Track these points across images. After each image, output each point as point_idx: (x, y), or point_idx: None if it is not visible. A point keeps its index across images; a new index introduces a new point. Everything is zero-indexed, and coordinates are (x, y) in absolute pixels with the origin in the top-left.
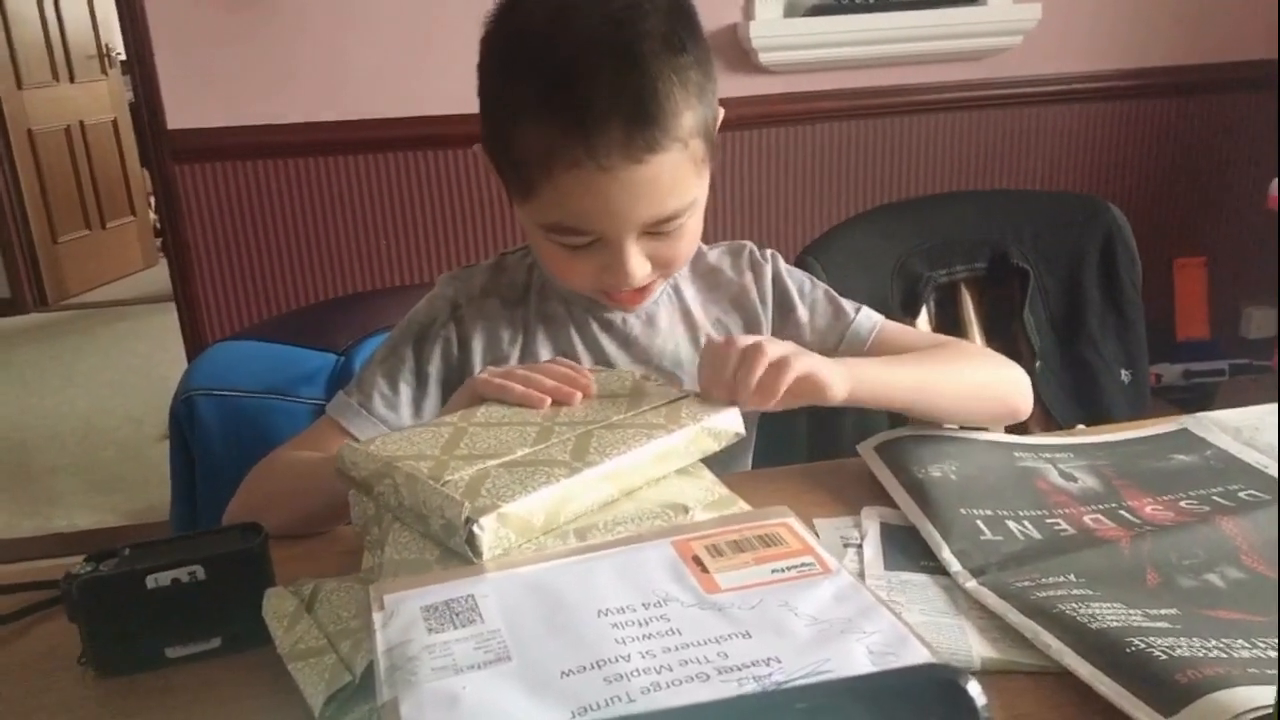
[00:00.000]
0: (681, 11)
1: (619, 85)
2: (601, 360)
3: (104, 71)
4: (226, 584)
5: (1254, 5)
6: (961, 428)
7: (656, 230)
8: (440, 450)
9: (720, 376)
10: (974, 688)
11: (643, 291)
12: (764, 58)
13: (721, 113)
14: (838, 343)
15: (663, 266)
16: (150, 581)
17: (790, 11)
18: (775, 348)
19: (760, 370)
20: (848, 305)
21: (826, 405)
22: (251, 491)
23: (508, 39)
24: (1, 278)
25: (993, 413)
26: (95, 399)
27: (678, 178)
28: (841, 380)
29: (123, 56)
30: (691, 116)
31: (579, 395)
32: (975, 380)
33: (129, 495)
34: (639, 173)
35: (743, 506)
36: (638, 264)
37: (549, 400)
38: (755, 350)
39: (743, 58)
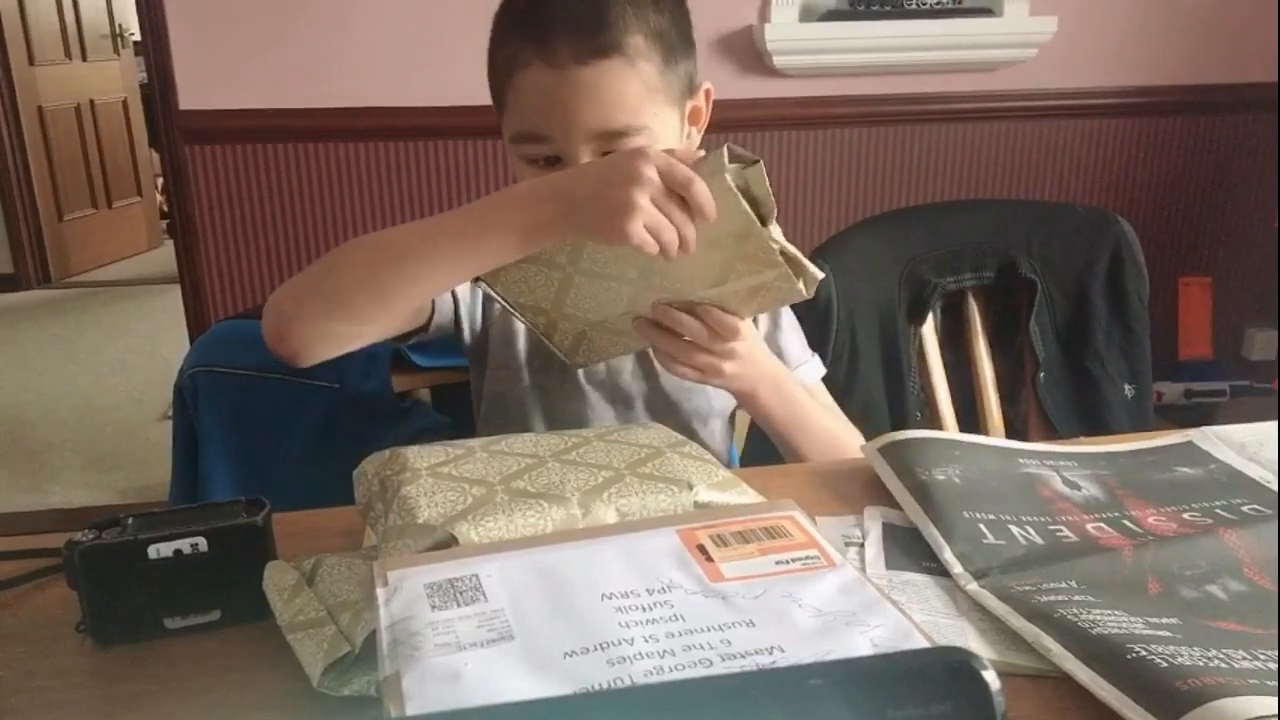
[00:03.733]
0: None
1: (577, 4)
2: None
3: (116, 51)
4: (228, 557)
5: (1265, 28)
6: None
7: (612, 150)
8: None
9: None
10: (990, 675)
11: None
12: (778, 61)
13: (704, 87)
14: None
15: None
16: (152, 551)
17: (805, 16)
18: (738, 354)
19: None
20: (799, 349)
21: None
22: (319, 263)
23: None
24: (6, 253)
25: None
26: (96, 377)
27: (624, 91)
28: (741, 382)
29: (136, 36)
30: (642, 42)
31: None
32: (830, 446)
33: (127, 474)
34: (584, 74)
35: (745, 489)
36: None
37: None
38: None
39: (757, 60)
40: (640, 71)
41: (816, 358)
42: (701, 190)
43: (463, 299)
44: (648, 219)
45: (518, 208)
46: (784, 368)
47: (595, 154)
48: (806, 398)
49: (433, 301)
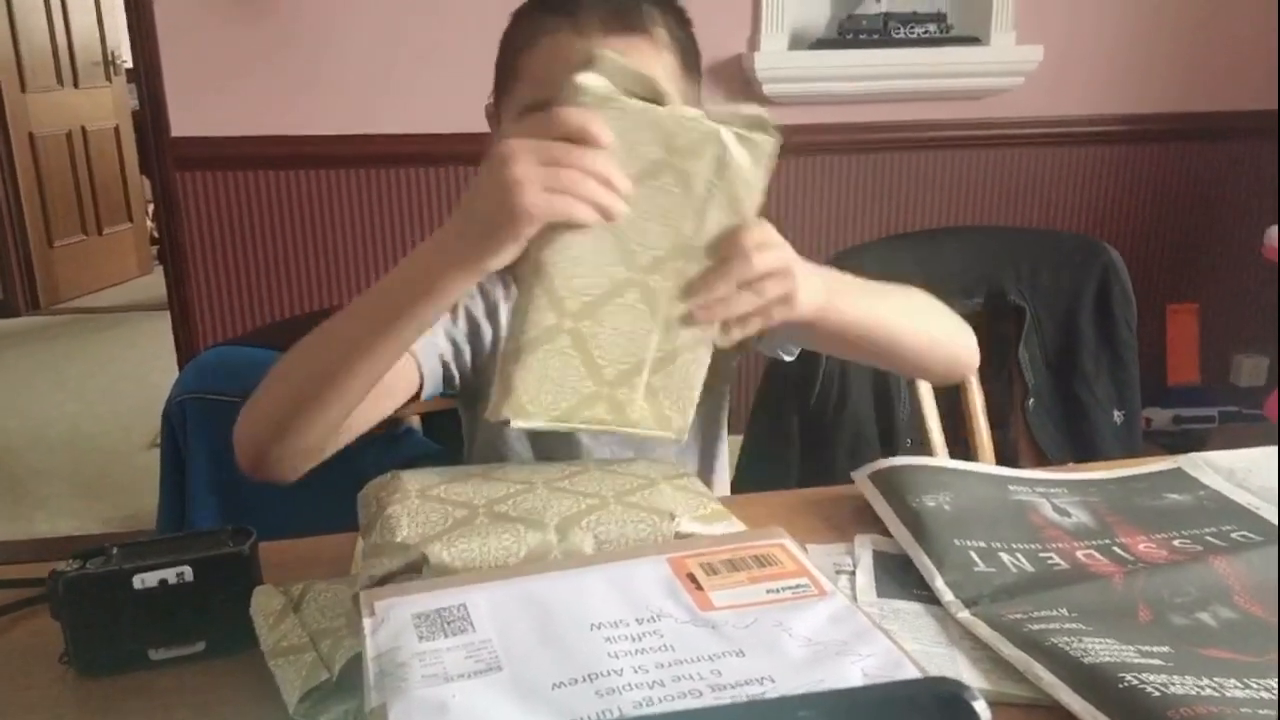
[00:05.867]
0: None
1: None
2: None
3: (108, 78)
4: (214, 586)
5: (1250, 56)
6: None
7: None
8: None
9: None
10: (980, 705)
11: None
12: (767, 89)
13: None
14: None
15: None
16: (137, 581)
17: (795, 44)
18: (790, 271)
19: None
20: None
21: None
22: (267, 375)
23: None
24: None
25: (946, 367)
26: (84, 404)
27: (647, 70)
28: (811, 297)
29: (128, 64)
30: (668, 37)
31: (621, 203)
32: (939, 330)
33: (114, 502)
34: (612, 44)
35: (734, 521)
36: None
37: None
38: (778, 274)
39: (746, 88)
40: (664, 61)
41: None
42: (574, 117)
43: (447, 353)
44: (546, 182)
45: (432, 249)
46: (819, 277)
47: None
48: (876, 291)
49: (420, 374)
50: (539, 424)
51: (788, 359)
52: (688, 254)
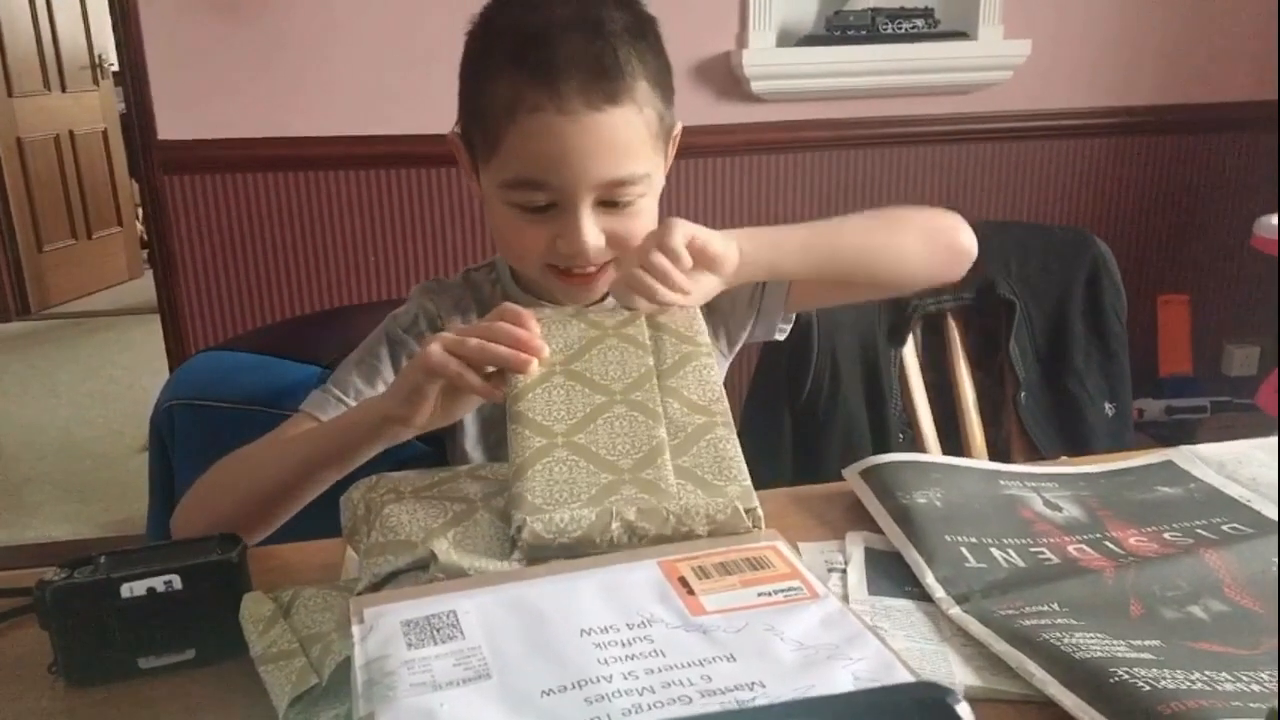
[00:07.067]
0: (641, 17)
1: (583, 47)
2: None
3: (95, 82)
4: (203, 594)
5: (1238, 49)
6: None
7: (611, 199)
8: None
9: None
10: (964, 708)
11: (594, 275)
12: (756, 86)
13: (679, 128)
14: (757, 291)
15: (616, 245)
16: (125, 590)
17: (783, 41)
18: (669, 241)
19: (673, 280)
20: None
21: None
22: (203, 483)
23: (486, 26)
24: None
25: (933, 268)
26: (75, 409)
27: (633, 139)
28: (729, 247)
29: (115, 67)
30: (647, 89)
31: (535, 362)
32: (911, 232)
33: (106, 507)
34: (598, 121)
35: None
36: (591, 231)
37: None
38: (658, 264)
39: (734, 85)
40: (646, 118)
41: None
42: (506, 305)
43: None
44: (452, 348)
45: (376, 401)
46: (723, 234)
47: (597, 202)
48: (794, 225)
49: None
50: (564, 517)
51: (780, 337)
52: (660, 372)
